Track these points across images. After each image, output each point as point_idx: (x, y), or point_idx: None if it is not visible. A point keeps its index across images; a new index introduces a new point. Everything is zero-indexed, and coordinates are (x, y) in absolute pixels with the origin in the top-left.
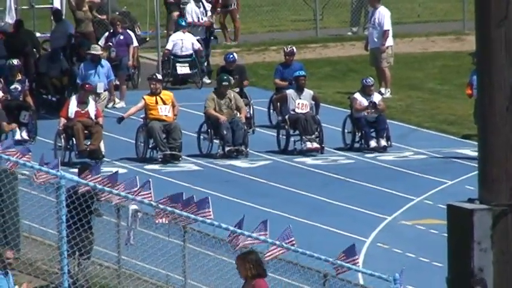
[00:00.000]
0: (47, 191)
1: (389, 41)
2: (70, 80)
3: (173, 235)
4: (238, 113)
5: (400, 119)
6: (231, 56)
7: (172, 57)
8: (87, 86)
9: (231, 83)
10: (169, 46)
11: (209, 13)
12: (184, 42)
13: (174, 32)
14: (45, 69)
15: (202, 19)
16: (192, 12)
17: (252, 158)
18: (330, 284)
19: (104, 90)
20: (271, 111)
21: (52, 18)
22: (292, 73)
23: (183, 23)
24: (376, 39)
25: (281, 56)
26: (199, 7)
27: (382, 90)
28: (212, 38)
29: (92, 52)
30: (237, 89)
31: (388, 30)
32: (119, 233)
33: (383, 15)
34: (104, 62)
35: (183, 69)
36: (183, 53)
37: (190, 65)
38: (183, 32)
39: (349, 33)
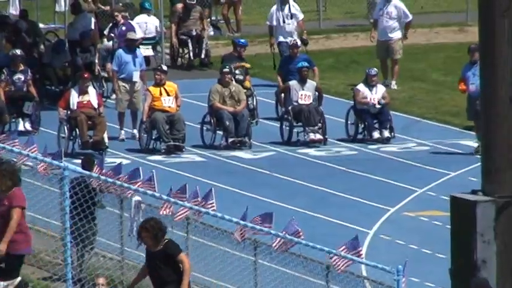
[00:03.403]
0: (51, 182)
1: (400, 33)
2: (73, 71)
3: (176, 226)
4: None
5: (403, 110)
6: (242, 40)
7: None
8: (85, 74)
9: (232, 70)
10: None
11: (300, 15)
12: (148, 25)
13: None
14: (49, 60)
15: (285, 22)
16: (274, 14)
17: (255, 149)
18: (332, 275)
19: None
20: (279, 105)
21: (70, 10)
22: (297, 65)
23: (147, 6)
24: (390, 31)
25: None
26: (282, 10)
27: (393, 82)
28: (304, 44)
29: (129, 37)
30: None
31: (411, 20)
32: (122, 224)
33: (400, 6)
34: (138, 50)
35: (146, 51)
36: (147, 36)
37: (153, 47)
38: (148, 15)
39: (372, 20)
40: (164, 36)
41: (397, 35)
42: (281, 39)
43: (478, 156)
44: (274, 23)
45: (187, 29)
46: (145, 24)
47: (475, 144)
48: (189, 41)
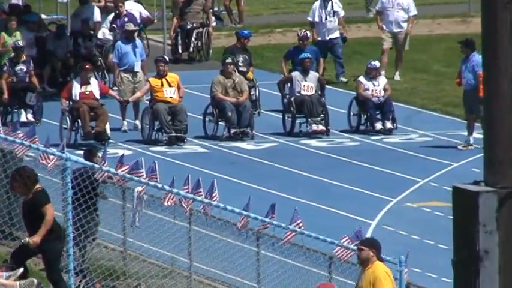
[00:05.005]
0: (53, 172)
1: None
2: (75, 62)
3: (179, 217)
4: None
5: (406, 101)
6: (245, 31)
7: None
8: (87, 65)
9: (234, 61)
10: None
11: (341, 12)
12: (133, 11)
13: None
14: (52, 46)
15: (327, 19)
16: (316, 11)
17: (257, 140)
18: (335, 266)
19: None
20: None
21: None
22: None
23: None
24: (401, 22)
25: (287, 38)
26: (325, 7)
27: (397, 73)
28: (343, 41)
29: (126, 29)
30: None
31: (415, 15)
32: (124, 215)
33: None
34: (138, 40)
35: None
36: None
37: (137, 34)
38: (134, 2)
39: (371, 15)
40: (166, 27)
41: (407, 26)
42: (320, 36)
43: (471, 148)
44: (316, 19)
45: (184, 22)
46: (131, 11)
47: (470, 137)
48: (179, 34)
